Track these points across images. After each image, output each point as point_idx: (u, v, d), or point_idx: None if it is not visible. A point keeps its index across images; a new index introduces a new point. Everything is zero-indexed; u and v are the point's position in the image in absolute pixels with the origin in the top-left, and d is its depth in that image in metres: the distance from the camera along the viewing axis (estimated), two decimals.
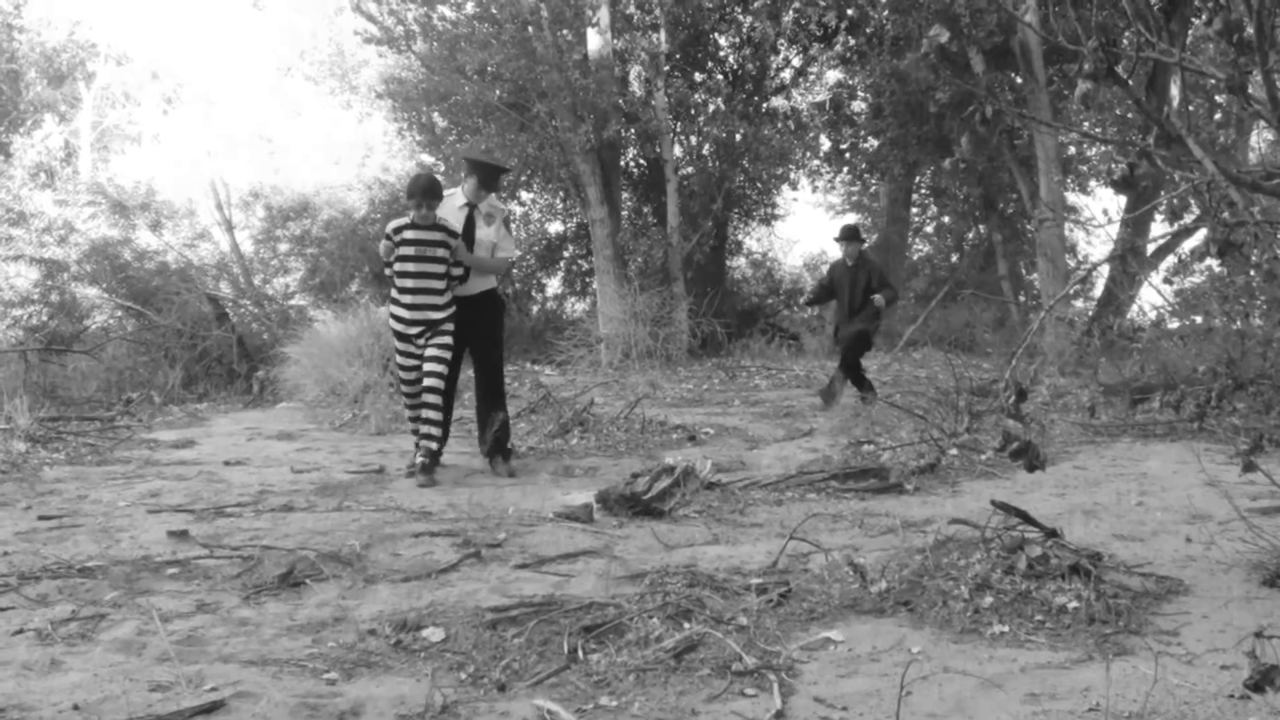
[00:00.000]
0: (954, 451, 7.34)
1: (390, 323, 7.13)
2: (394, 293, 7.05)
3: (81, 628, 3.90)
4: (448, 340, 7.00)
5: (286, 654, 3.67)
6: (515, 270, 19.79)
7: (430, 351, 6.96)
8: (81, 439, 8.50)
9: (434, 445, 6.98)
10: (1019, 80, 15.59)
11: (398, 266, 6.91)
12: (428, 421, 6.99)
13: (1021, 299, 18.60)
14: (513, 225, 6.64)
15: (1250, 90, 3.86)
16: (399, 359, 7.14)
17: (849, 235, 10.66)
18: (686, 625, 3.81)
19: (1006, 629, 3.79)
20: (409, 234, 6.85)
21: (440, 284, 6.93)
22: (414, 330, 6.95)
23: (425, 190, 6.83)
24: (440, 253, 6.88)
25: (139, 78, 31.87)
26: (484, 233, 7.21)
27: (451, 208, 7.15)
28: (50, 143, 28.38)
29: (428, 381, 6.95)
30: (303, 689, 3.34)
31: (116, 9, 41.34)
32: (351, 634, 3.86)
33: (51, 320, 13.33)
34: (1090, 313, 15.22)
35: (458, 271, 7.04)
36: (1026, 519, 4.44)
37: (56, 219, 15.36)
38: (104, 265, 13.67)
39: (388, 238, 6.94)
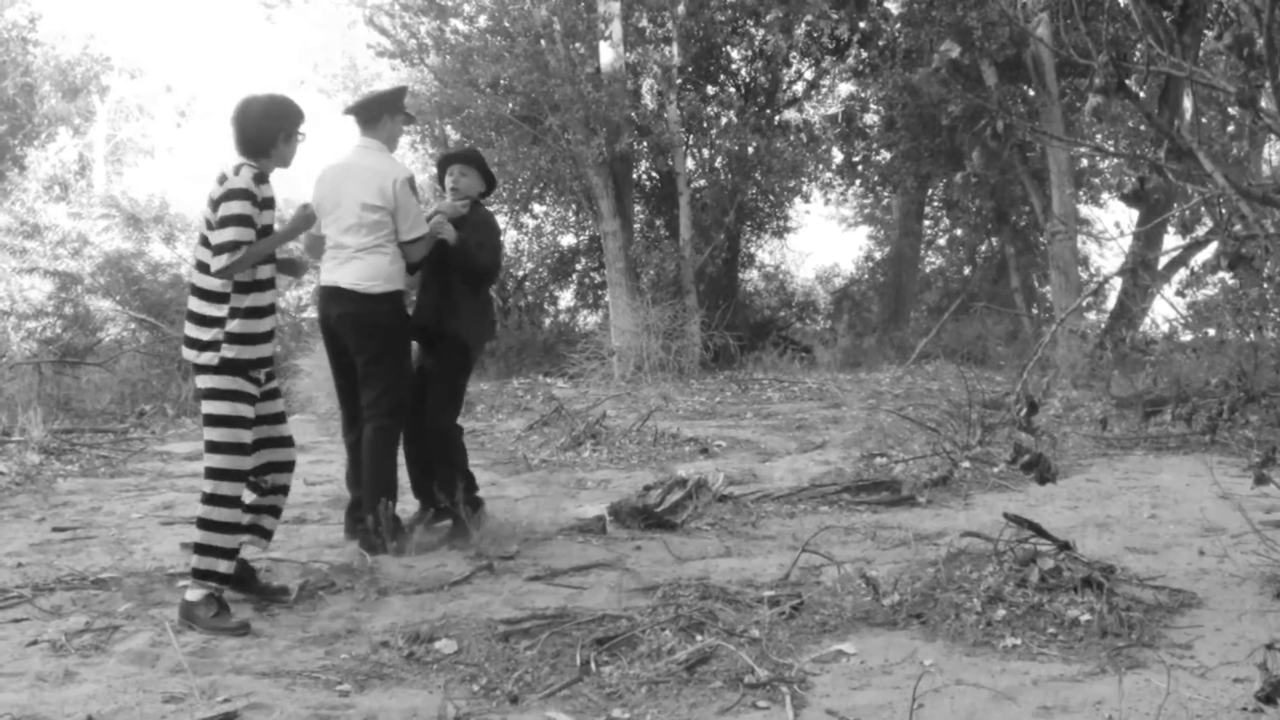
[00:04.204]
0: (966, 464, 7.32)
1: (226, 351, 4.17)
2: (244, 299, 4.25)
3: (95, 639, 3.91)
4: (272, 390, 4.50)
5: (299, 666, 3.68)
6: (528, 282, 19.83)
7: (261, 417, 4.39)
8: (95, 451, 8.53)
9: (226, 586, 4.19)
10: (1031, 93, 15.58)
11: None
12: (216, 551, 4.14)
13: (1034, 312, 18.56)
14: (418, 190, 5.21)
15: (1261, 104, 3.86)
16: (244, 405, 4.25)
17: (466, 158, 5.86)
18: (699, 637, 3.81)
19: (1019, 642, 3.78)
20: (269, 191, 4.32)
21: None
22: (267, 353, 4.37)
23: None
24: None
25: (153, 91, 32.29)
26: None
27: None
28: (64, 156, 28.61)
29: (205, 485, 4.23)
30: (315, 700, 3.36)
31: (131, 23, 41.74)
32: (364, 646, 3.87)
33: (65, 333, 13.41)
34: (1102, 325, 15.16)
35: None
36: (1039, 532, 4.43)
37: (70, 232, 15.51)
38: (118, 278, 13.76)
39: (248, 195, 4.19)
